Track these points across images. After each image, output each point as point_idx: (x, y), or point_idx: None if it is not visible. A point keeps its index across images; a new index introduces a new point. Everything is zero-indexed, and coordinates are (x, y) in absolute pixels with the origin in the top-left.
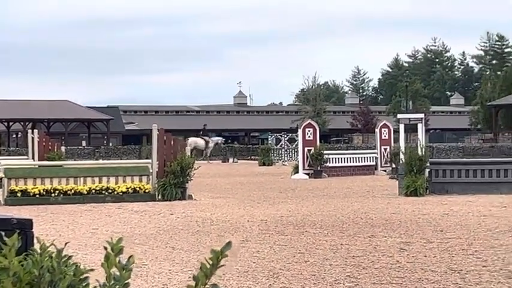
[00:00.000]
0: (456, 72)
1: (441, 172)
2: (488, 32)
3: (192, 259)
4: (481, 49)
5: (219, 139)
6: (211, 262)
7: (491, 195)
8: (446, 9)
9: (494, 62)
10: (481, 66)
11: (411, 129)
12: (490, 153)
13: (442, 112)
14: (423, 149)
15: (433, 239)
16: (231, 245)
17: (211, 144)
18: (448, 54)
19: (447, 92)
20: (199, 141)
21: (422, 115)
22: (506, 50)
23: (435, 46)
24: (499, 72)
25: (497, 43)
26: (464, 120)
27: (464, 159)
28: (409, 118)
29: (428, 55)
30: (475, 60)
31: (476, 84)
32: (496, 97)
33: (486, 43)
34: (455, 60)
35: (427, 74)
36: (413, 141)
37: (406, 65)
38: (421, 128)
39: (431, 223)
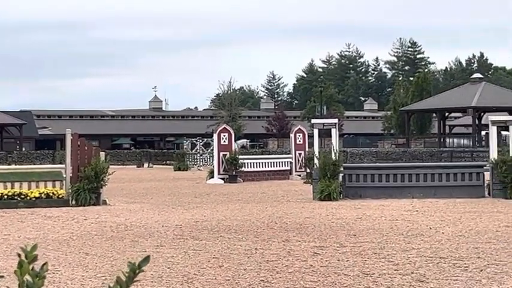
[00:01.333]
0: (370, 78)
1: (355, 177)
2: (400, 38)
3: (105, 265)
4: (394, 55)
5: (245, 141)
6: (127, 275)
7: (403, 199)
8: (359, 16)
9: (406, 67)
10: (394, 71)
11: (325, 134)
12: (402, 157)
13: (356, 117)
14: (337, 154)
15: (347, 243)
16: (149, 259)
17: (236, 148)
18: (361, 59)
19: (361, 97)
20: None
21: (336, 120)
22: (418, 56)
23: (349, 52)
24: (411, 78)
25: (409, 49)
26: (377, 125)
27: (378, 164)
28: (323, 123)
29: (343, 61)
30: (388, 66)
31: (390, 89)
32: (408, 102)
33: (399, 49)
34: (369, 65)
35: (341, 79)
36: (328, 146)
37: (321, 70)
38: (334, 132)
39: (345, 227)
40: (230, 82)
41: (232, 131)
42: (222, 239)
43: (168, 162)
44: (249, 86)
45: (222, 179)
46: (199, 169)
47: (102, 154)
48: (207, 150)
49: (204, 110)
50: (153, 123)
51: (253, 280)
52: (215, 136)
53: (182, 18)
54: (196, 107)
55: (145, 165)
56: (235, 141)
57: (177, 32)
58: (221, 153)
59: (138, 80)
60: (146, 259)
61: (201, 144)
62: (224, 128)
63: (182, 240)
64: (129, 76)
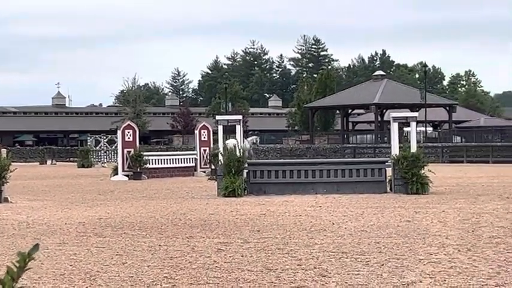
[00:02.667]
0: (274, 75)
1: (259, 173)
2: (304, 36)
3: (6, 263)
4: (298, 52)
5: (255, 138)
6: (18, 265)
7: (307, 195)
8: (263, 12)
9: (310, 64)
10: (298, 68)
11: (230, 130)
12: (306, 154)
13: (261, 114)
14: (241, 151)
15: (250, 239)
16: (38, 247)
17: (247, 144)
18: (266, 56)
19: (266, 94)
20: (231, 143)
21: (240, 116)
22: (322, 53)
23: (254, 49)
24: (315, 75)
25: (313, 46)
26: (282, 121)
27: (282, 160)
28: (228, 120)
29: (247, 57)
30: (292, 63)
31: (294, 86)
32: (312, 99)
33: (303, 46)
34: (273, 62)
35: (246, 76)
36: None
37: (226, 67)
38: (239, 129)
39: (249, 223)
40: (134, 79)
41: (136, 128)
42: (125, 236)
43: (71, 159)
44: (153, 82)
45: (127, 175)
46: (103, 166)
47: (4, 151)
48: (111, 147)
49: (108, 106)
50: (56, 120)
51: (156, 277)
52: (119, 133)
53: (87, 16)
54: (100, 104)
55: (49, 162)
56: (245, 138)
57: (81, 29)
58: (125, 150)
59: (42, 76)
60: (35, 247)
61: (105, 141)
62: (128, 124)
63: (85, 238)
64: (32, 73)
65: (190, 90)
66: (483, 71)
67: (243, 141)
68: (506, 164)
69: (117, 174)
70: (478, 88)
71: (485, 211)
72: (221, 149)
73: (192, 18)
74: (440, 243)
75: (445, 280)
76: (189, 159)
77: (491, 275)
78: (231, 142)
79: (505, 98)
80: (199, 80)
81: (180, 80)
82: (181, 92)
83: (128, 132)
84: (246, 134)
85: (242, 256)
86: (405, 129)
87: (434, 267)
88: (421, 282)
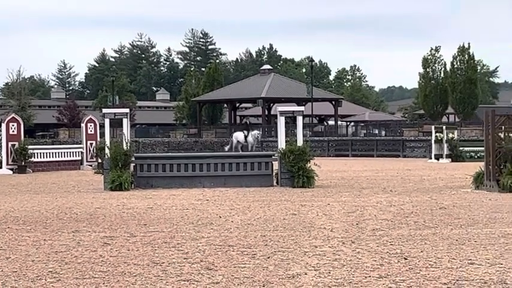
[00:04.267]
0: (162, 68)
1: (146, 166)
2: (192, 29)
3: None
4: (186, 46)
5: (256, 132)
6: None
7: (194, 188)
8: (151, 5)
9: (198, 58)
10: (186, 62)
11: (117, 124)
12: (194, 147)
13: (148, 107)
14: (128, 144)
15: (137, 233)
16: None
17: (250, 138)
18: (154, 50)
19: (153, 87)
20: (240, 136)
21: (127, 110)
22: (210, 47)
23: (141, 42)
24: (203, 69)
25: (201, 40)
26: (170, 115)
27: (169, 154)
28: (115, 113)
29: (135, 50)
30: (180, 56)
31: (182, 80)
32: (200, 93)
33: (191, 40)
34: (161, 56)
35: (134, 69)
36: (120, 136)
37: (113, 60)
38: (126, 122)
39: (136, 217)
40: (19, 71)
41: (21, 121)
42: (9, 231)
43: None
44: (39, 75)
45: (11, 169)
46: None
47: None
48: None
49: None
50: None
51: (41, 271)
52: (3, 126)
53: None
54: None
55: None
56: (249, 132)
57: None
58: (10, 143)
59: None
60: None
61: None
62: (13, 117)
63: None
64: None
65: (77, 83)
66: (368, 66)
67: (248, 136)
68: (390, 158)
69: (1, 168)
70: (363, 83)
71: (369, 204)
72: (108, 143)
73: (79, 10)
74: (325, 236)
75: (329, 272)
76: (76, 152)
77: (374, 267)
78: (239, 135)
79: (389, 92)
80: (86, 73)
81: (67, 73)
82: (67, 85)
83: (13, 125)
84: (249, 129)
85: (128, 250)
86: (330, 122)
87: (319, 260)
88: (306, 274)
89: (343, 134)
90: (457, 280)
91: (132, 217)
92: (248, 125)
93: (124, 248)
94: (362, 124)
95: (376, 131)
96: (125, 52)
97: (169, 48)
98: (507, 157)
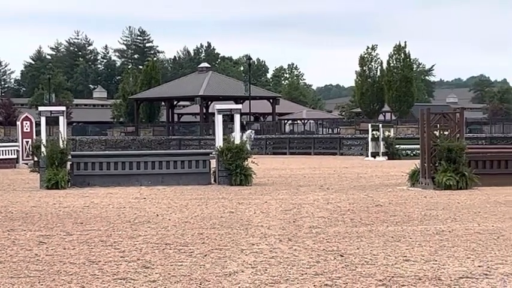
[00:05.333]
0: (99, 66)
1: (83, 165)
2: (130, 27)
3: None
4: (124, 43)
5: (250, 131)
6: None
7: (131, 187)
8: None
9: (136, 56)
10: (123, 60)
11: (54, 122)
12: (131, 146)
13: (86, 105)
14: (65, 142)
15: (73, 232)
16: None
17: (244, 137)
18: (91, 47)
19: (90, 85)
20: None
21: (63, 108)
22: (147, 45)
23: (78, 39)
24: (140, 66)
25: (138, 38)
26: (107, 113)
27: (106, 152)
28: (51, 111)
29: (71, 48)
30: (117, 54)
31: (119, 77)
32: (137, 91)
33: (128, 37)
34: (98, 53)
35: (70, 66)
36: (56, 134)
37: (49, 57)
38: (62, 120)
39: (72, 216)
40: None
41: None
42: None
43: None
44: None
45: None
46: None
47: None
48: None
49: None
50: None
51: None
52: None
53: None
54: None
55: None
56: (243, 132)
57: None
58: None
59: None
60: None
61: None
62: None
63: None
64: None
65: (12, 80)
66: (306, 65)
67: (242, 135)
68: (327, 156)
69: None
70: (300, 81)
71: (306, 202)
72: (44, 141)
73: (14, 7)
74: (262, 233)
75: (266, 269)
76: (11, 151)
77: (310, 264)
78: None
79: (327, 91)
80: (21, 71)
81: (2, 70)
82: (2, 83)
83: None
84: (245, 128)
85: (64, 249)
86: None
87: (256, 257)
88: (242, 272)
89: (282, 132)
90: (392, 277)
91: (69, 216)
92: (244, 125)
93: (60, 246)
94: (299, 122)
95: (314, 129)
96: (62, 50)
97: (106, 46)
98: (442, 155)
